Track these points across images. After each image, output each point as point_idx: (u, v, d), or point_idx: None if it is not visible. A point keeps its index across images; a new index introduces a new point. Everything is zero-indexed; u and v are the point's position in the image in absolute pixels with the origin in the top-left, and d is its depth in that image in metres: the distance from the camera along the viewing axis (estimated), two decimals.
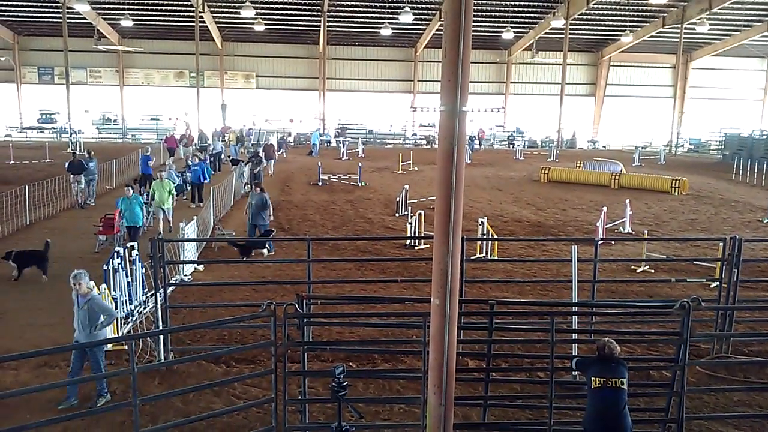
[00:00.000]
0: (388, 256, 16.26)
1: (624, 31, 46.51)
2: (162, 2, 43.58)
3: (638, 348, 10.24)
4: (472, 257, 15.08)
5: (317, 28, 47.87)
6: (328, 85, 51.55)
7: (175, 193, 18.45)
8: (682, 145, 51.40)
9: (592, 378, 6.55)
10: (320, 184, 28.16)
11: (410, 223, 17.52)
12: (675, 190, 27.17)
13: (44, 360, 9.34)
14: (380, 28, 45.04)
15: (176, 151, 34.73)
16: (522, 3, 43.99)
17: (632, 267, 15.27)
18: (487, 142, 50.22)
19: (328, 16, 45.72)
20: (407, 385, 8.89)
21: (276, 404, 7.27)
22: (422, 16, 45.67)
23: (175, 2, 43.47)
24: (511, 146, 48.58)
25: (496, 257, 15.90)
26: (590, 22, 47.57)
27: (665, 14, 45.85)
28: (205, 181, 22.30)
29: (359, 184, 28.09)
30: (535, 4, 44.56)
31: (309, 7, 45.01)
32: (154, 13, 45.45)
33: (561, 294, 12.72)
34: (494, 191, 27.35)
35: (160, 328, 9.43)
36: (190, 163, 23.28)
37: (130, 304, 11.15)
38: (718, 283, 10.81)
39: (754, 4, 43.04)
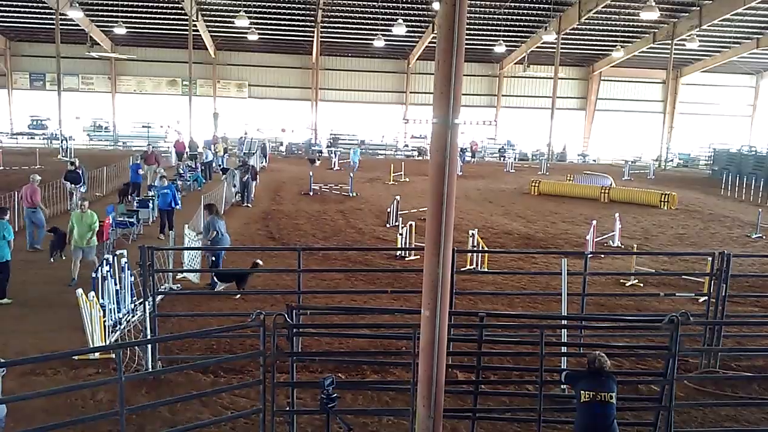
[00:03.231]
0: (379, 267, 16.25)
1: (615, 46, 46.82)
2: (156, 10, 43.59)
3: (627, 362, 10.26)
4: (463, 269, 15.09)
5: (311, 39, 47.97)
6: (321, 95, 51.60)
7: (97, 227, 14.33)
8: (672, 160, 51.71)
9: (582, 392, 6.56)
10: (311, 194, 28.16)
11: (401, 234, 17.53)
12: (664, 205, 27.31)
13: (29, 368, 9.26)
14: (373, 39, 45.16)
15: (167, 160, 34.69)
16: (514, 17, 44.23)
17: (621, 281, 15.33)
18: (479, 155, 50.36)
19: (322, 27, 45.84)
20: (396, 397, 8.87)
21: (264, 415, 7.24)
22: (415, 29, 45.85)
23: (168, 10, 43.48)
24: (502, 159, 48.72)
25: (486, 269, 15.92)
26: (581, 37, 47.88)
27: (656, 30, 46.23)
28: (177, 207, 19.13)
29: (350, 195, 28.10)
30: (528, 18, 44.83)
31: (302, 18, 45.11)
32: (147, 20, 45.44)
33: (550, 307, 12.74)
34: (485, 203, 27.42)
35: (148, 336, 9.37)
36: (156, 184, 20.15)
37: (118, 312, 11.10)
38: (706, 297, 10.86)
39: (743, 21, 43.42)
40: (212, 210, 14.76)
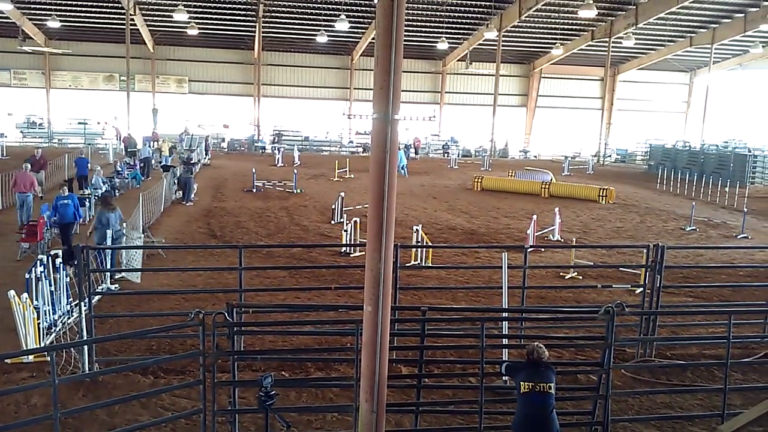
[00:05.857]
0: (323, 264, 16.18)
1: (554, 43, 47.73)
2: (91, 3, 42.27)
3: (566, 352, 10.47)
4: (407, 264, 15.15)
5: (252, 34, 47.40)
6: (264, 90, 51.04)
7: None
8: (610, 156, 53.02)
9: (521, 383, 6.65)
10: (255, 190, 27.85)
11: (346, 231, 17.51)
12: (602, 199, 27.98)
13: None
14: (316, 35, 44.94)
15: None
16: (456, 14, 44.63)
17: (561, 273, 15.60)
18: (423, 151, 50.70)
19: (264, 22, 45.35)
20: (341, 393, 8.85)
21: (204, 415, 7.13)
22: (358, 24, 45.78)
23: (105, 3, 42.22)
24: (446, 155, 49.15)
25: (430, 264, 16.03)
26: (522, 35, 48.64)
27: (594, 28, 47.36)
28: (79, 220, 16.70)
29: (295, 191, 27.90)
30: (469, 15, 45.29)
31: (244, 12, 44.52)
32: (82, 14, 44.05)
33: (493, 300, 12.89)
34: (429, 199, 27.60)
35: (84, 338, 9.11)
36: (61, 193, 16.29)
37: (53, 313, 10.75)
38: (642, 288, 11.16)
39: (678, 20, 44.89)
40: (103, 202, 14.63)
